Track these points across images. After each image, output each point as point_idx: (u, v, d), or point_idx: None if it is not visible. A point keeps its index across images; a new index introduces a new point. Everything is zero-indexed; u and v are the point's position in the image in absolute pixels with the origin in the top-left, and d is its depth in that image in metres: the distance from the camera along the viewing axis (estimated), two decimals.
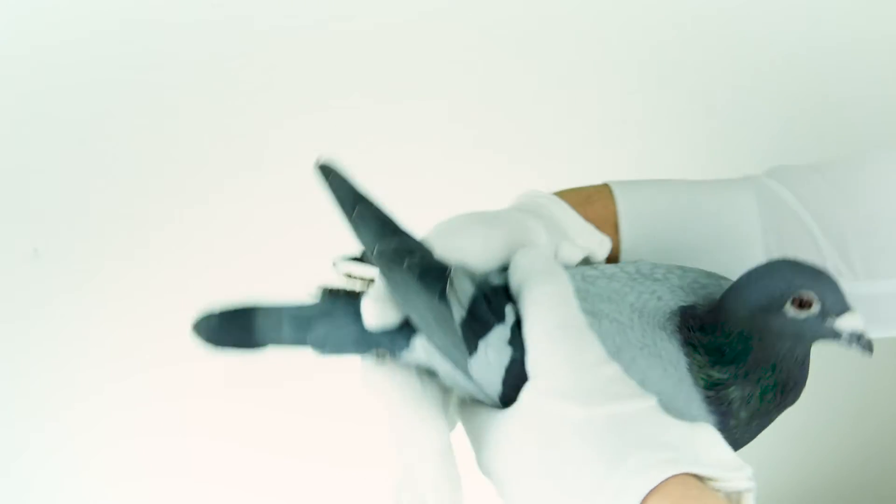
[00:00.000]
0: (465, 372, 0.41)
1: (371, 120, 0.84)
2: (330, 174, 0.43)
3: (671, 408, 0.38)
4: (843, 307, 0.41)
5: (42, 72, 0.79)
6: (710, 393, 0.41)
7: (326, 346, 0.43)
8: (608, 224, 0.52)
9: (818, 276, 0.41)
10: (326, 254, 0.88)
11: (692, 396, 0.40)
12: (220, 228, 0.84)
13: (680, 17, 0.85)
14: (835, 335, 0.41)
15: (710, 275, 0.45)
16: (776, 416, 0.42)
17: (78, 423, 0.84)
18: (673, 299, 0.43)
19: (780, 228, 0.52)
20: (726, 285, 0.43)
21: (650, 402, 0.38)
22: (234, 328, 0.44)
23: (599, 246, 0.50)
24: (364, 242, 0.42)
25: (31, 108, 0.80)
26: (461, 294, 0.40)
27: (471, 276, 0.42)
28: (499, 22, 0.84)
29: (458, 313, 0.40)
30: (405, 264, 0.40)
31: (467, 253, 0.43)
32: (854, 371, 0.88)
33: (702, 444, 0.37)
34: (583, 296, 0.42)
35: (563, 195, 0.51)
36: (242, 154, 0.84)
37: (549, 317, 0.40)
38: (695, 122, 0.88)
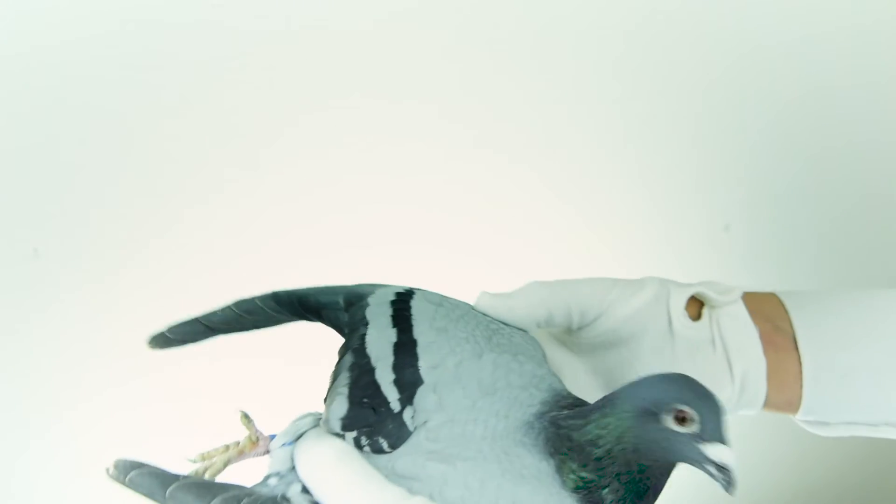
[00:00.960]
0: None
1: (371, 120, 0.83)
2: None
3: None
4: (718, 436, 0.40)
5: (42, 72, 0.79)
6: (582, 494, 0.41)
7: None
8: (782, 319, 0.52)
9: (705, 399, 0.41)
10: (326, 254, 0.87)
11: (565, 502, 0.41)
12: (220, 228, 0.84)
13: (678, 15, 0.85)
14: (703, 461, 0.41)
15: (541, 362, 0.46)
16: None
17: (80, 423, 0.84)
18: (519, 410, 0.43)
19: None
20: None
21: None
22: None
23: (726, 295, 0.50)
24: None
25: (32, 108, 0.80)
26: None
27: None
28: (499, 22, 0.84)
29: None
30: None
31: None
32: None
33: None
34: (431, 447, 0.43)
35: None
36: (242, 154, 0.83)
37: (332, 478, 0.41)
38: (693, 122, 0.88)
